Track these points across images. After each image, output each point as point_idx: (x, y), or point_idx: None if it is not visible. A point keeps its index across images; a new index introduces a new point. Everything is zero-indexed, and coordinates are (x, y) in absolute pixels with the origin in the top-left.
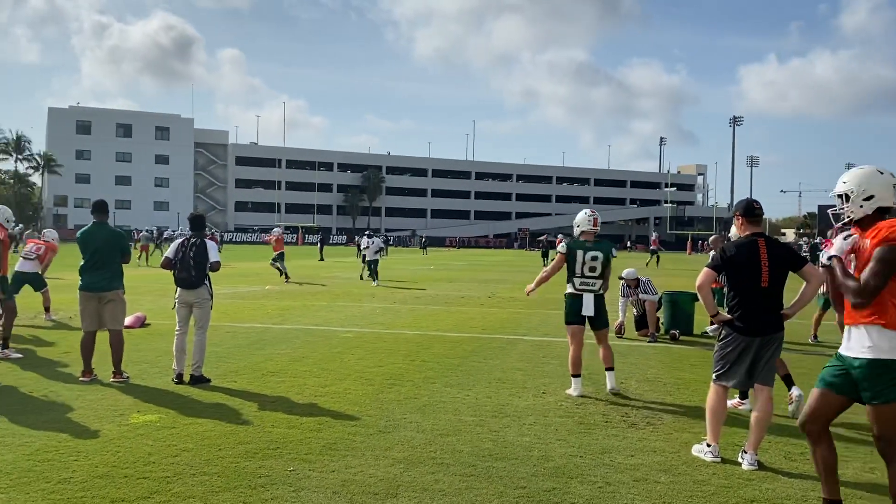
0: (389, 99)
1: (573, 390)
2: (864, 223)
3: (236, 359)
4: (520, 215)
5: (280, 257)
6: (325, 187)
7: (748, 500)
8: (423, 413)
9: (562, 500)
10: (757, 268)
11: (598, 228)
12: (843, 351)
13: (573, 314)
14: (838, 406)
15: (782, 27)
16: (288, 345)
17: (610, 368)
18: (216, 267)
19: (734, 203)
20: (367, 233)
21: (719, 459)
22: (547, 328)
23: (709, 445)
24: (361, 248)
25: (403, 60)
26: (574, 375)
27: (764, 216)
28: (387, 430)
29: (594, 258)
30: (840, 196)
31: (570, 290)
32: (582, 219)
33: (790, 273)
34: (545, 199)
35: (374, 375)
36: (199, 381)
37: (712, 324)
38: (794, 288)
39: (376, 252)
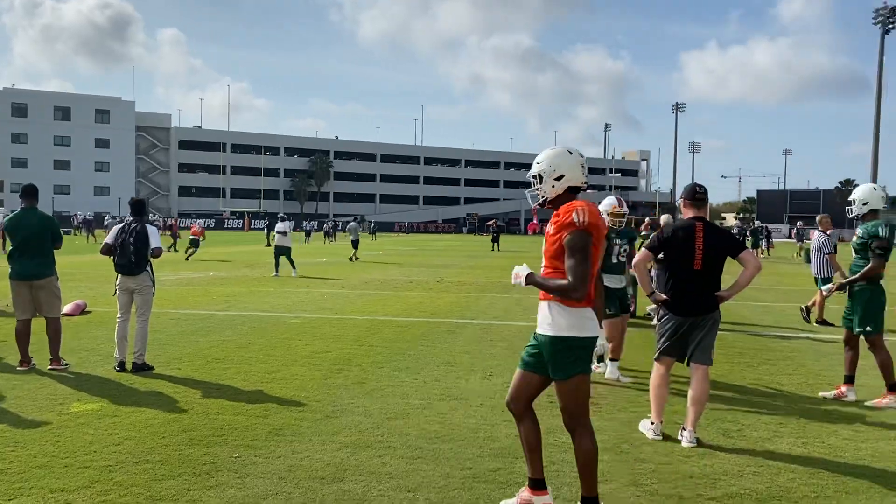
0: (335, 82)
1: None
2: (557, 203)
3: (180, 346)
4: (468, 200)
5: (194, 243)
6: (271, 172)
7: (687, 475)
8: (371, 397)
9: (507, 480)
10: (691, 251)
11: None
12: (536, 329)
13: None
14: (538, 385)
15: (722, 14)
16: (234, 331)
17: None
18: (157, 253)
19: (677, 188)
20: (280, 215)
21: (660, 437)
22: (495, 312)
23: (652, 423)
24: (277, 231)
25: (349, 43)
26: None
27: (706, 200)
28: (334, 414)
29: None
30: (534, 177)
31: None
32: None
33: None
34: (493, 184)
35: (322, 361)
36: (141, 368)
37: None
38: (781, 277)
39: (284, 238)
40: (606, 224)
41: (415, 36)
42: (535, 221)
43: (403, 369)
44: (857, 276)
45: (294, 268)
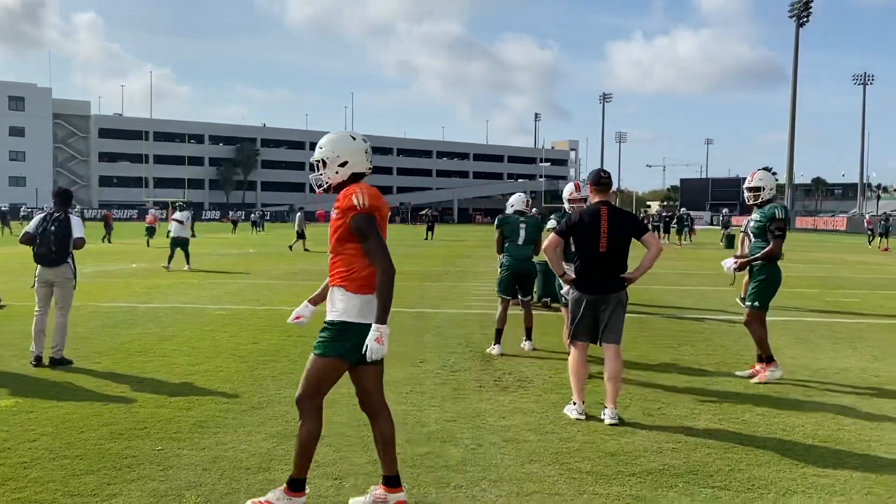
0: (262, 68)
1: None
2: (340, 189)
3: (101, 339)
4: (401, 189)
5: (150, 231)
6: (195, 161)
7: (609, 453)
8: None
9: (435, 464)
10: (596, 234)
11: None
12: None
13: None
14: (373, 374)
15: (646, 5)
16: (156, 324)
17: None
18: (80, 244)
19: None
20: (178, 204)
21: (584, 417)
22: (427, 301)
23: (574, 404)
24: (174, 219)
25: (276, 28)
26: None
27: (613, 186)
28: (260, 405)
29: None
30: (317, 162)
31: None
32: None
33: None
34: (426, 173)
35: (248, 352)
36: (60, 363)
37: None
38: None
39: (184, 229)
40: (527, 210)
41: (344, 21)
42: (321, 210)
43: None
44: (757, 256)
45: (188, 262)
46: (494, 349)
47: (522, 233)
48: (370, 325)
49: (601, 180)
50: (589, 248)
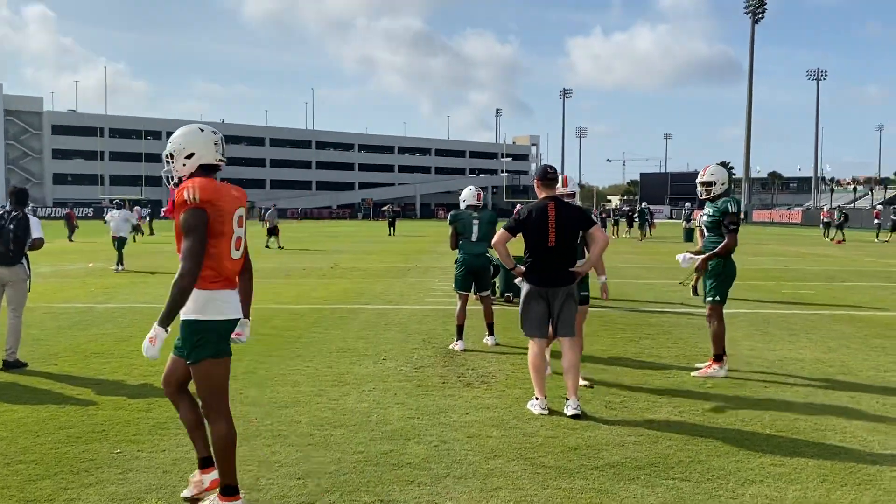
0: (219, 63)
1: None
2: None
3: (56, 341)
4: (363, 185)
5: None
6: (153, 157)
7: (572, 447)
8: (261, 387)
9: (398, 462)
10: (545, 228)
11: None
12: None
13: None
14: (185, 368)
15: (605, 1)
16: (114, 324)
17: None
18: (39, 244)
19: (565, 172)
20: (115, 202)
21: (546, 411)
22: (390, 296)
23: (537, 399)
24: (107, 221)
25: (232, 23)
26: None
27: (574, 183)
28: None
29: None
30: (167, 156)
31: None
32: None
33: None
34: (388, 168)
35: None
36: (13, 366)
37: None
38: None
39: (123, 227)
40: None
41: (302, 15)
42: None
43: (295, 357)
44: (714, 252)
45: (121, 263)
46: (457, 345)
47: (475, 229)
48: (216, 322)
49: (548, 175)
50: (538, 242)
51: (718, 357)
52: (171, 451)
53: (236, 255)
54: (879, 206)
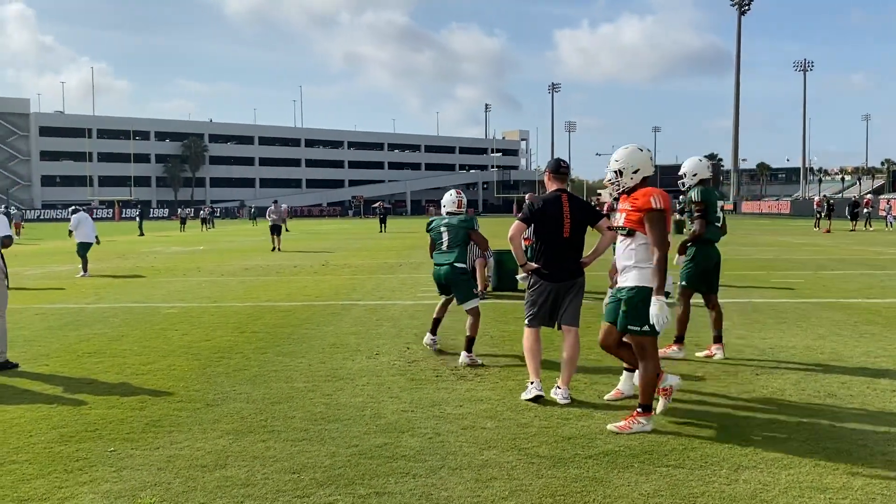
0: (203, 61)
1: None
2: None
3: (47, 341)
4: (353, 183)
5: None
6: (141, 158)
7: (566, 437)
8: (254, 383)
9: (393, 454)
10: (560, 220)
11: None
12: None
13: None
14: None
15: None
16: (105, 324)
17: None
18: (7, 243)
19: None
20: (72, 207)
21: (542, 393)
22: (381, 292)
23: (532, 383)
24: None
25: (215, 20)
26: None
27: (570, 175)
28: (215, 403)
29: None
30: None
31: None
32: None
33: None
34: (378, 165)
35: (201, 350)
36: (3, 367)
37: (523, 273)
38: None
39: (84, 233)
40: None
41: (285, 12)
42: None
43: (287, 353)
44: (685, 239)
45: (85, 269)
46: (427, 338)
47: (445, 237)
48: None
49: (560, 169)
50: (553, 233)
51: (679, 339)
52: (166, 448)
53: None
54: (869, 196)
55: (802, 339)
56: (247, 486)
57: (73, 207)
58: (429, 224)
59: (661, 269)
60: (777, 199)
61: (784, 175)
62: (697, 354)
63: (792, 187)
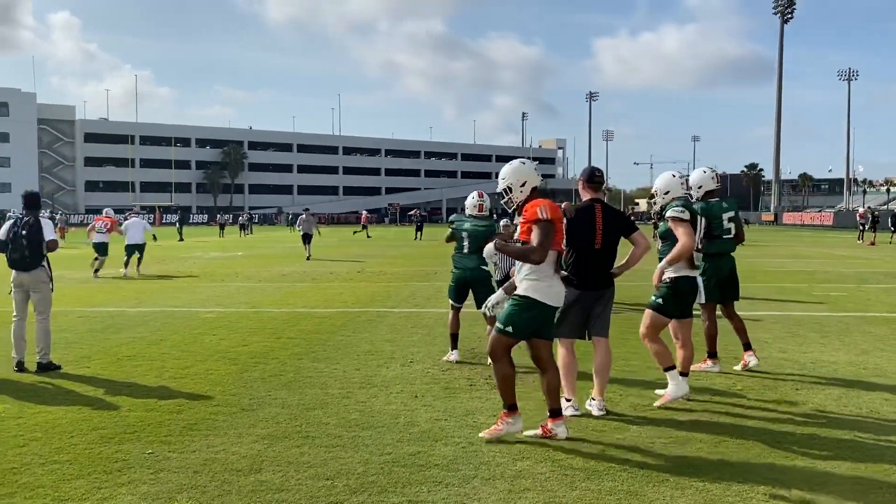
0: (243, 69)
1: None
2: None
3: (89, 344)
4: (389, 190)
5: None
6: (182, 164)
7: (600, 449)
8: (289, 389)
9: (426, 463)
10: (592, 231)
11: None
12: None
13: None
14: None
15: (631, 2)
16: (145, 328)
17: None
18: (53, 246)
19: None
20: (126, 213)
21: (580, 412)
22: (416, 300)
23: (568, 400)
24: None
25: (255, 29)
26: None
27: (605, 184)
28: (251, 407)
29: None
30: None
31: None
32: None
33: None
34: (414, 173)
35: (238, 355)
36: (46, 368)
37: None
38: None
39: (129, 234)
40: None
41: (324, 20)
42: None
43: (322, 360)
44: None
45: (126, 266)
46: (451, 356)
47: (466, 242)
48: None
49: (595, 178)
50: (585, 244)
51: (711, 354)
52: (202, 451)
53: None
54: None
55: (845, 354)
56: (281, 492)
57: (126, 214)
58: (453, 221)
59: (514, 252)
60: (819, 211)
61: (827, 186)
62: (735, 368)
63: (835, 198)
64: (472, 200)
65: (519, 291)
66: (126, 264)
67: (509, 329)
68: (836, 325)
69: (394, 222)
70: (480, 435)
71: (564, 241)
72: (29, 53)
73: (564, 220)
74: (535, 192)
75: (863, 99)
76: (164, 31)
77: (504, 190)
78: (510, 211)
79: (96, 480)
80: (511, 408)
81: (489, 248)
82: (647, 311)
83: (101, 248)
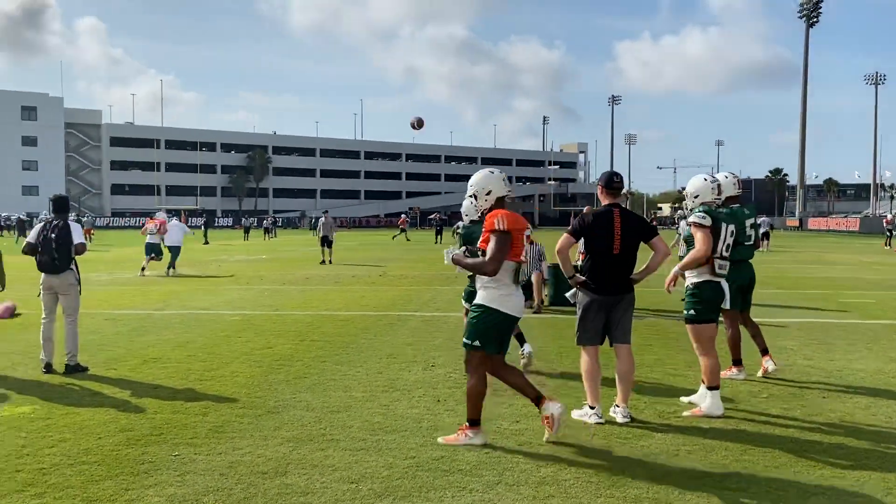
0: (266, 74)
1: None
2: None
3: (116, 346)
4: (410, 194)
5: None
6: (207, 168)
7: (625, 456)
8: (313, 392)
9: (450, 468)
10: (610, 236)
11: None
12: None
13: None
14: None
15: (653, 4)
16: (171, 330)
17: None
18: (81, 249)
19: None
20: (169, 212)
21: (603, 421)
22: (438, 304)
23: (592, 408)
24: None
25: (279, 34)
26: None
27: (625, 189)
28: (276, 410)
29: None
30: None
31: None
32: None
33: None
34: (435, 177)
35: (263, 357)
36: (74, 370)
37: (570, 288)
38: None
39: (169, 237)
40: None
41: (347, 26)
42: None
43: (346, 363)
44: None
45: (171, 266)
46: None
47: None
48: None
49: (613, 184)
50: (603, 249)
51: (737, 362)
52: (228, 454)
53: None
54: None
55: (873, 362)
56: (306, 495)
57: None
58: (456, 230)
59: (468, 265)
60: (845, 216)
61: (853, 191)
62: (758, 375)
63: (861, 204)
64: (471, 204)
65: (477, 300)
66: (167, 265)
67: (477, 343)
68: (864, 333)
69: (414, 226)
70: (440, 440)
71: (581, 246)
72: (56, 58)
73: (528, 231)
74: (500, 202)
75: (890, 104)
76: (188, 36)
77: (472, 197)
78: (478, 218)
79: (124, 482)
80: (473, 423)
81: (447, 258)
82: (687, 328)
83: (154, 249)
